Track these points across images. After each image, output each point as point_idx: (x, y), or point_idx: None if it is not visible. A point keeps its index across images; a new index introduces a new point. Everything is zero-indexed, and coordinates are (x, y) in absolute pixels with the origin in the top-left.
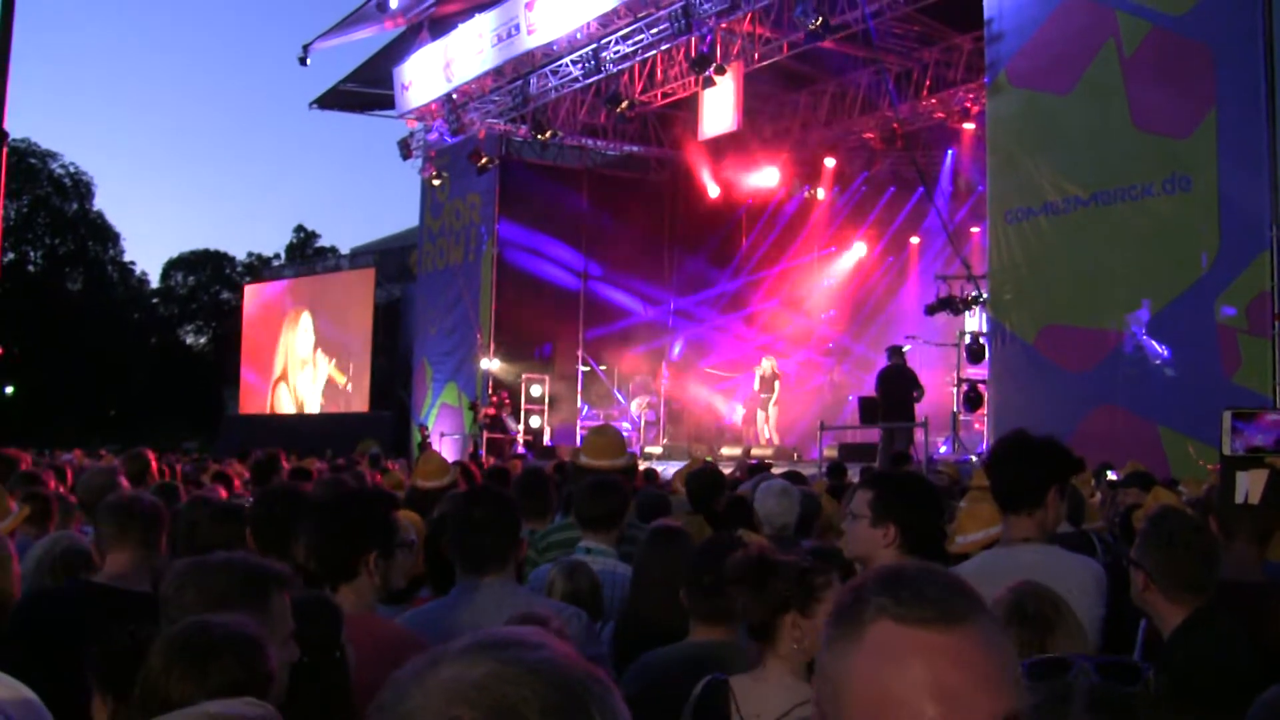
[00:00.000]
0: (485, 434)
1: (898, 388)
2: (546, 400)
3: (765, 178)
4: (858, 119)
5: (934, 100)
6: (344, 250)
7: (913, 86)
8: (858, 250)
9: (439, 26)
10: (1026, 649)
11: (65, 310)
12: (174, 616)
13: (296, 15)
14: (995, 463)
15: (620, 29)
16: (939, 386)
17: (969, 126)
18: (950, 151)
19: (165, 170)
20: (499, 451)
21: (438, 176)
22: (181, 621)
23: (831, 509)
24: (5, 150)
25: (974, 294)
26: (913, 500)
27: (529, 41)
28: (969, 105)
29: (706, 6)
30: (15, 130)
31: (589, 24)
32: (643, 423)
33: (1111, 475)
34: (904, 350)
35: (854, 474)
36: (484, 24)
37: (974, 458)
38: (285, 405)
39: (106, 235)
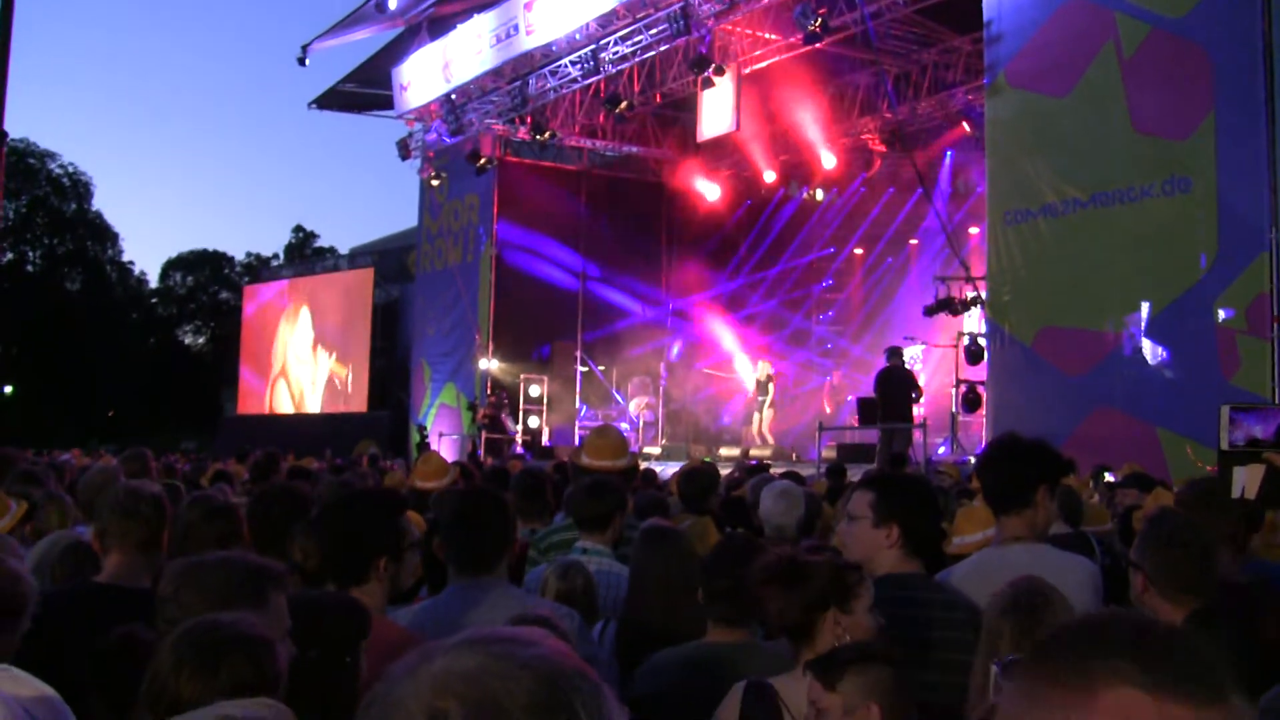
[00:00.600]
0: (483, 434)
1: (896, 389)
2: (545, 401)
3: (763, 179)
4: (856, 120)
5: (933, 102)
6: (343, 250)
7: (911, 88)
8: (856, 252)
9: (438, 27)
10: (1017, 638)
11: (64, 310)
12: (172, 616)
13: (295, 15)
14: (985, 465)
15: (619, 30)
16: (937, 387)
17: (968, 128)
18: (949, 153)
19: (164, 170)
20: (497, 452)
21: (436, 177)
22: (191, 620)
23: (831, 511)
24: (4, 150)
25: (972, 295)
26: (915, 501)
27: (528, 42)
28: (968, 107)
29: (705, 8)
30: (14, 130)
31: (588, 25)
32: (641, 423)
33: (1109, 477)
34: (903, 351)
35: (854, 475)
36: (483, 24)
37: (972, 459)
38: (284, 402)
39: (105, 235)
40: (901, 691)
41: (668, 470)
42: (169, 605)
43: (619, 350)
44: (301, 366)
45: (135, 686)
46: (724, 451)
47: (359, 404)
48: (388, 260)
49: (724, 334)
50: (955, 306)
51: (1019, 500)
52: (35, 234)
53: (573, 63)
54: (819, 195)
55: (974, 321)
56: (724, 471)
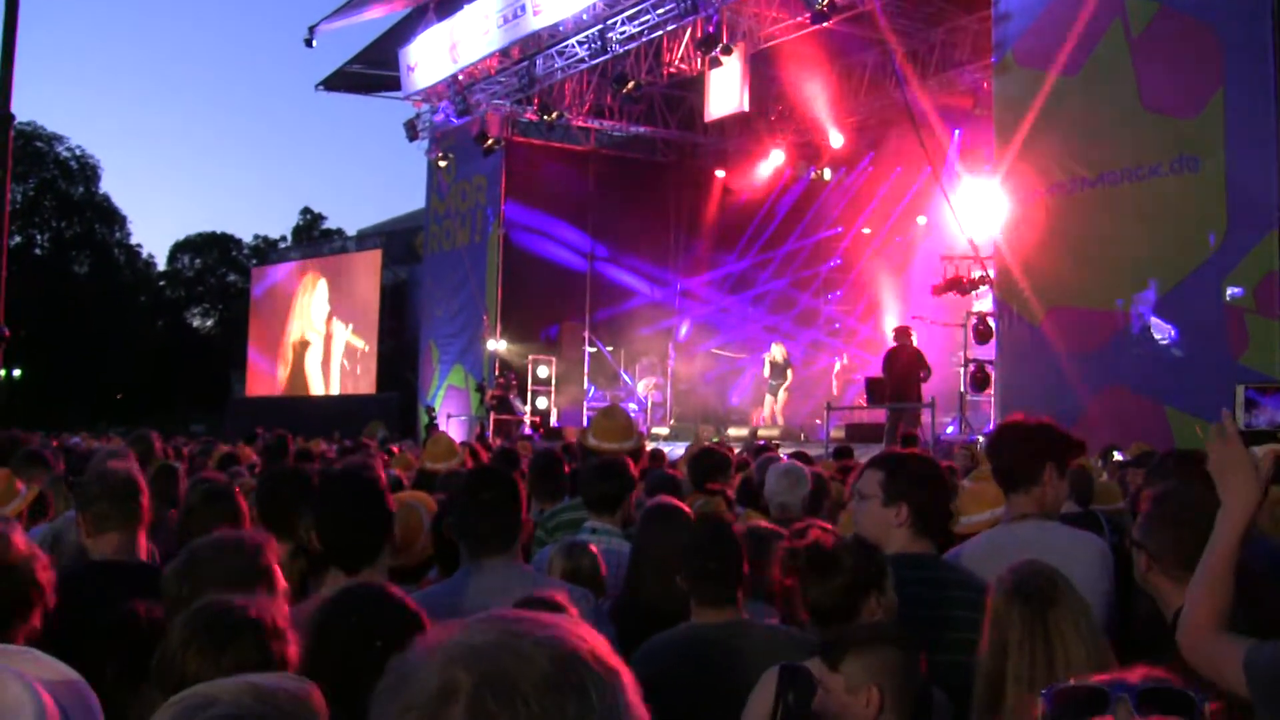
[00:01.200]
0: (492, 415)
1: (904, 368)
2: (553, 381)
3: (771, 158)
4: (864, 99)
5: (941, 80)
6: (350, 232)
7: (919, 66)
8: (864, 231)
9: (445, 8)
10: (1028, 625)
11: (72, 293)
12: (183, 594)
13: None
14: (993, 443)
15: (626, 9)
16: (945, 367)
17: (976, 107)
18: (957, 131)
19: (171, 153)
20: (506, 433)
21: (444, 158)
22: (205, 599)
23: (839, 491)
24: (11, 133)
25: (980, 274)
26: (924, 481)
27: (535, 22)
28: (976, 85)
29: None
30: (21, 113)
31: (595, 4)
32: (649, 404)
33: (1118, 456)
34: (911, 331)
35: (862, 456)
36: (490, 5)
37: (981, 438)
38: (297, 383)
39: (113, 218)
40: (907, 675)
41: (676, 450)
42: (183, 583)
43: (627, 331)
44: (317, 338)
45: (144, 661)
46: (732, 432)
47: (367, 386)
48: (395, 242)
49: (732, 314)
50: (963, 285)
51: (1027, 478)
52: (43, 217)
53: (580, 43)
54: (827, 174)
55: (983, 301)
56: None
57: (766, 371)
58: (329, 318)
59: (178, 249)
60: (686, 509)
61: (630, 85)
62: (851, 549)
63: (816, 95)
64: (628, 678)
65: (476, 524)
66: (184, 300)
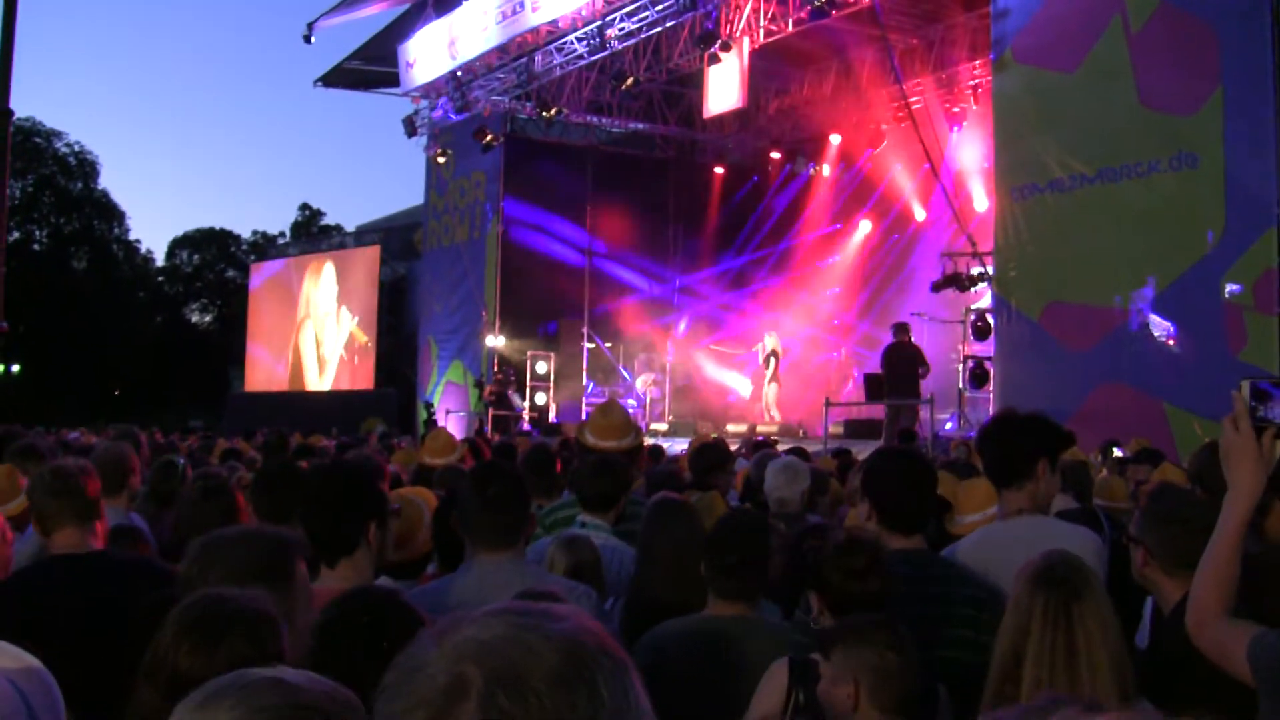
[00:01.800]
0: (490, 411)
1: (903, 364)
2: (552, 377)
3: (770, 154)
4: (863, 96)
5: (939, 77)
6: (349, 228)
7: (918, 63)
8: (863, 227)
9: (444, 4)
10: (1054, 613)
11: (71, 289)
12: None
13: None
14: (984, 439)
15: (625, 5)
16: (944, 363)
17: (974, 104)
18: (956, 128)
19: (170, 148)
20: (504, 428)
21: (442, 154)
22: (196, 594)
23: (839, 487)
24: (10, 129)
25: (979, 271)
26: (887, 477)
27: (533, 19)
28: (974, 82)
29: None
30: (20, 109)
31: (594, 1)
32: (648, 399)
33: (1118, 452)
34: (910, 327)
35: (861, 452)
36: (488, 1)
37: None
38: (295, 377)
39: (112, 214)
40: (893, 672)
41: (675, 446)
42: (196, 582)
43: (626, 326)
44: (325, 319)
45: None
46: (731, 428)
47: (366, 382)
48: (394, 238)
49: (730, 310)
50: (962, 282)
51: (1019, 473)
52: (42, 213)
53: (579, 39)
54: (825, 171)
55: (981, 298)
56: (732, 448)
57: (761, 361)
58: (338, 305)
59: (176, 245)
60: (691, 504)
61: (629, 81)
62: (868, 541)
63: (815, 92)
64: (634, 670)
65: (481, 519)
66: (182, 296)
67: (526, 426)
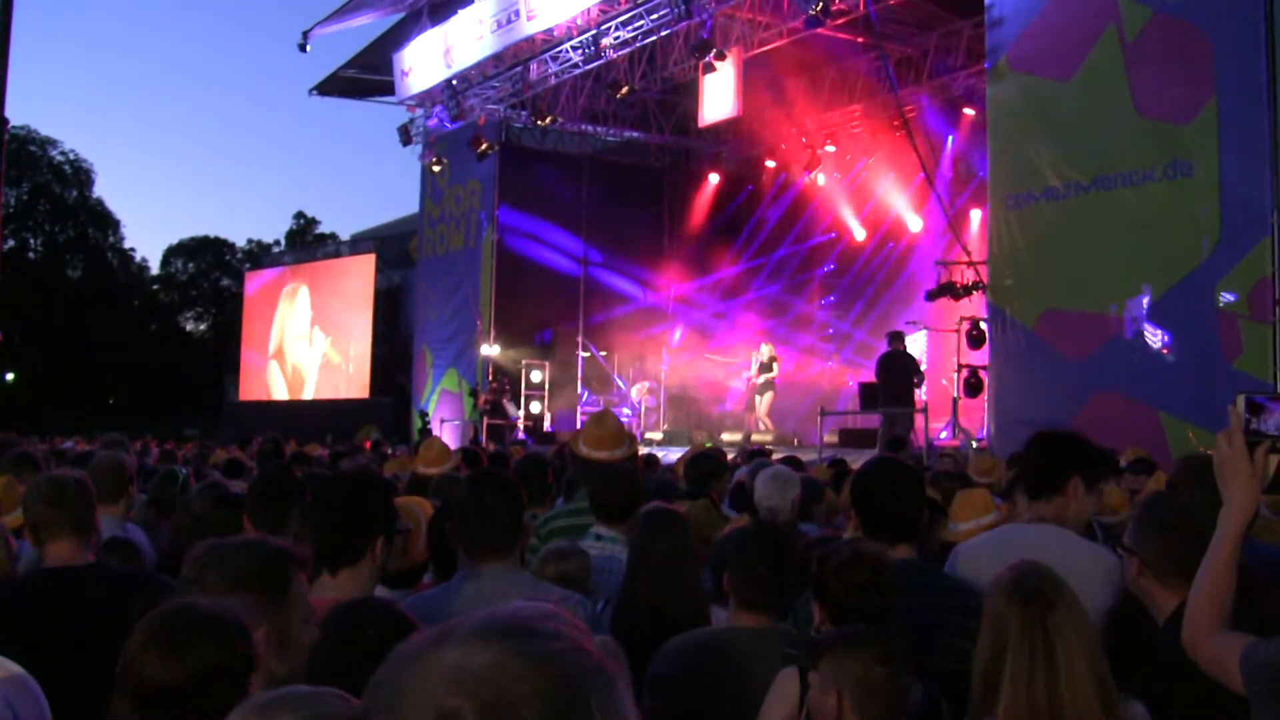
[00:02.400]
0: (485, 420)
1: (898, 373)
2: (547, 386)
3: (765, 163)
4: (858, 104)
5: (934, 86)
6: (344, 236)
7: (913, 72)
8: (857, 236)
9: (439, 12)
10: (1027, 626)
11: (65, 297)
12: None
13: (296, 1)
14: (1023, 452)
15: (620, 15)
16: (939, 372)
17: (969, 112)
18: (951, 137)
19: (165, 157)
20: (499, 437)
21: (438, 162)
22: (166, 602)
23: (833, 497)
24: (5, 137)
25: (974, 280)
26: (871, 487)
27: (529, 27)
28: (970, 91)
29: None
30: (15, 117)
31: (589, 10)
32: (643, 408)
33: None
34: (904, 336)
35: (855, 461)
36: (483, 10)
37: (975, 443)
38: (278, 384)
39: (106, 222)
40: (876, 686)
41: (669, 455)
42: (194, 588)
43: (621, 335)
44: (299, 341)
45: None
46: (726, 437)
47: (360, 390)
48: (389, 246)
49: (725, 319)
50: (957, 291)
51: (1049, 487)
52: (37, 221)
53: (574, 48)
54: (820, 180)
55: (976, 306)
56: (727, 457)
57: (754, 370)
58: (310, 325)
59: (171, 253)
60: (683, 512)
61: (624, 90)
62: (872, 555)
63: (810, 101)
64: (624, 681)
65: (477, 528)
66: (177, 304)
67: (521, 435)
